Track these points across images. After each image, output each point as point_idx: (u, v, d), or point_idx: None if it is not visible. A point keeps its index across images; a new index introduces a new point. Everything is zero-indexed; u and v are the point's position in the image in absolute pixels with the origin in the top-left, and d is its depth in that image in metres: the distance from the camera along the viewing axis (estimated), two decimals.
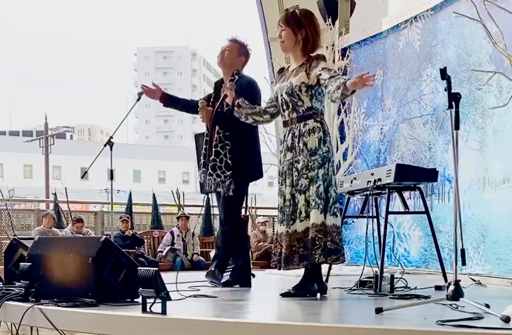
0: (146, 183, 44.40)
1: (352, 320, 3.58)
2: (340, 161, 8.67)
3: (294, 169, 4.59)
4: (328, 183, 4.54)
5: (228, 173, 5.35)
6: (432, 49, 7.80)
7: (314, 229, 4.44)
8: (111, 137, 6.91)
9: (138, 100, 6.47)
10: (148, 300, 3.55)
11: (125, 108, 69.85)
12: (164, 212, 14.80)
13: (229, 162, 5.35)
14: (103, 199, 30.49)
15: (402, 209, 5.73)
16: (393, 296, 4.55)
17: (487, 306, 3.47)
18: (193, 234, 12.06)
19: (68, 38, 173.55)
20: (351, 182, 5.80)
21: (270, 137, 9.24)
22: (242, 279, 5.48)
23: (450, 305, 3.68)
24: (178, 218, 12.22)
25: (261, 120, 4.93)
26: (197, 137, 5.84)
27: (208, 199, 12.67)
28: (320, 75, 4.51)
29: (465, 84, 7.01)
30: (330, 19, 9.16)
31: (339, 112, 8.48)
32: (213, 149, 5.39)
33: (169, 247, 11.84)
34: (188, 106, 5.73)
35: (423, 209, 5.63)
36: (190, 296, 4.45)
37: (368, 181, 5.46)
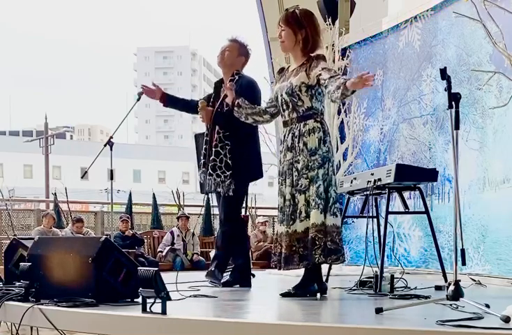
0: (146, 183, 44.41)
1: (352, 320, 3.58)
2: (340, 161, 8.67)
3: (294, 169, 4.59)
4: (328, 183, 4.54)
5: (228, 173, 5.35)
6: (432, 49, 7.80)
7: (315, 229, 4.44)
8: (111, 137, 6.91)
9: (138, 100, 6.47)
10: (148, 300, 3.55)
11: (125, 108, 69.85)
12: (164, 212, 14.80)
13: (229, 162, 5.35)
14: (103, 199, 30.49)
15: (402, 209, 5.73)
16: (393, 296, 4.55)
17: (487, 306, 3.47)
18: (193, 234, 12.06)
19: (68, 38, 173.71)
20: (351, 182, 5.80)
21: (270, 137, 9.24)
22: (242, 279, 5.48)
23: (450, 305, 3.68)
24: (178, 218, 12.22)
25: (261, 120, 4.93)
26: (197, 137, 5.84)
27: (208, 199, 12.71)
28: (320, 74, 4.51)
29: (465, 84, 7.01)
30: (330, 19, 9.16)
31: (339, 112, 8.48)
32: (213, 149, 5.39)
33: (169, 247, 11.84)
34: (188, 106, 5.74)
35: (423, 209, 5.63)
36: (190, 296, 4.45)
37: (368, 181, 5.46)
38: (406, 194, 6.01)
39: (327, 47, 8.97)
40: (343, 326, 3.13)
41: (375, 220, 5.85)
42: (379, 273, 4.89)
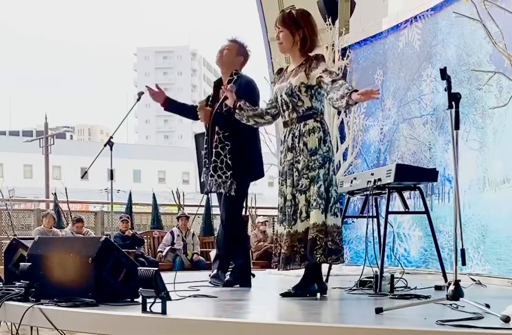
0: (146, 183, 44.42)
1: (352, 320, 3.58)
2: (340, 161, 8.67)
3: (294, 170, 4.59)
4: (328, 183, 4.54)
5: (229, 173, 5.35)
6: (432, 49, 7.80)
7: (316, 229, 4.44)
8: (111, 137, 6.91)
9: (138, 100, 6.48)
10: (148, 300, 3.55)
11: (125, 108, 69.90)
12: (164, 212, 14.81)
13: (229, 162, 5.36)
14: (103, 199, 30.51)
15: (402, 209, 5.73)
16: (393, 296, 4.55)
17: (487, 306, 3.47)
18: (193, 234, 12.06)
19: (68, 38, 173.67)
20: (351, 182, 5.80)
21: (270, 137, 9.25)
22: (242, 279, 5.48)
23: (450, 305, 3.68)
24: (178, 218, 12.22)
25: (262, 122, 4.93)
26: (197, 137, 5.84)
27: (208, 199, 12.73)
28: (321, 77, 4.51)
29: (465, 84, 7.01)
30: (330, 19, 9.16)
31: (339, 112, 8.48)
32: (214, 150, 5.39)
33: (169, 247, 11.84)
34: (188, 111, 5.71)
35: (423, 209, 5.63)
36: (190, 296, 4.45)
37: (368, 181, 5.46)
38: (406, 194, 6.01)
39: (327, 47, 8.97)
40: (343, 326, 3.13)
41: (375, 220, 5.85)
42: (379, 273, 4.89)
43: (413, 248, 7.90)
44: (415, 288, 5.05)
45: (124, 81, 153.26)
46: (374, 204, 5.94)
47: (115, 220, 11.45)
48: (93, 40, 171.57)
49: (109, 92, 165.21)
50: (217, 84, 5.65)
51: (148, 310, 3.52)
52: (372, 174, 5.46)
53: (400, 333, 2.93)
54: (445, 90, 3.62)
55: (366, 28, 9.07)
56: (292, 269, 4.60)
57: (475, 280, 5.80)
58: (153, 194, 13.37)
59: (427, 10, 7.89)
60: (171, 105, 5.70)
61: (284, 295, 4.54)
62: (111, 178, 7.24)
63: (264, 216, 13.64)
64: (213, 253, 11.95)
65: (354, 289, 4.96)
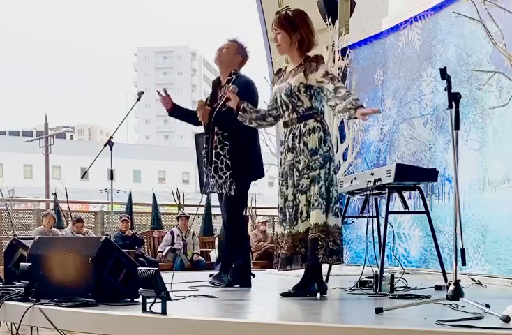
0: (146, 183, 44.42)
1: (352, 320, 3.58)
2: (340, 161, 8.67)
3: (295, 170, 4.59)
4: (329, 183, 4.54)
5: (228, 173, 5.35)
6: (432, 49, 7.80)
7: (318, 230, 4.44)
8: (111, 137, 6.91)
9: (138, 100, 6.48)
10: (148, 300, 3.55)
11: (125, 108, 69.87)
12: (164, 212, 14.81)
13: (229, 162, 5.36)
14: (103, 199, 30.51)
15: (402, 209, 5.73)
16: (393, 296, 4.55)
17: (487, 306, 3.47)
18: (193, 234, 12.06)
19: (68, 38, 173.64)
20: (351, 182, 5.80)
21: (270, 137, 9.26)
22: (242, 279, 5.48)
23: (450, 305, 3.68)
24: (178, 218, 12.22)
25: (264, 124, 4.92)
26: (197, 137, 5.84)
27: (208, 199, 12.74)
28: (322, 82, 4.53)
29: (465, 84, 7.01)
30: (330, 19, 9.17)
31: None
32: (214, 151, 5.39)
33: (169, 247, 11.84)
34: (192, 118, 5.69)
35: (423, 209, 5.63)
36: (190, 296, 4.45)
37: (368, 181, 5.46)
38: (406, 194, 6.01)
39: (327, 47, 8.98)
40: (343, 326, 3.13)
41: (375, 220, 5.85)
42: (379, 273, 4.89)
43: (413, 248, 7.90)
44: (415, 288, 5.05)
45: (124, 81, 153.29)
46: (374, 204, 5.94)
47: (115, 220, 11.45)
48: (93, 40, 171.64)
49: (109, 92, 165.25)
50: (216, 84, 5.65)
51: (148, 310, 3.52)
52: (372, 174, 5.46)
53: (400, 333, 2.93)
54: (445, 90, 3.62)
55: (366, 28, 9.07)
56: (293, 270, 4.60)
57: (475, 280, 5.80)
58: (153, 194, 13.36)
59: (427, 10, 7.89)
60: (177, 111, 5.71)
61: (284, 295, 4.54)
62: (111, 178, 7.23)
63: (264, 216, 13.64)
64: (213, 253, 12.01)
65: (354, 289, 4.96)
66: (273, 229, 13.02)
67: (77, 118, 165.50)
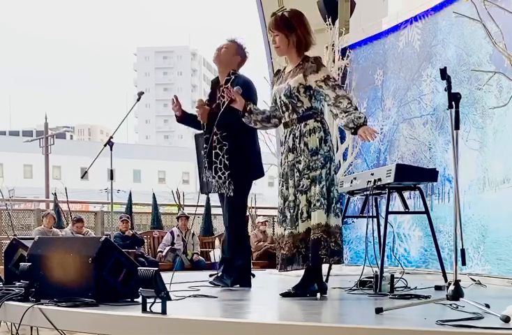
0: (146, 183, 44.41)
1: (352, 320, 3.58)
2: (340, 161, 8.67)
3: (295, 170, 4.59)
4: (330, 183, 4.55)
5: (227, 173, 5.35)
6: (432, 49, 7.80)
7: (320, 230, 4.44)
8: (111, 137, 6.91)
9: (138, 100, 6.49)
10: (148, 300, 3.55)
11: (125, 108, 69.89)
12: (164, 212, 14.80)
13: (227, 162, 5.35)
14: (103, 199, 30.51)
15: (402, 209, 5.73)
16: (393, 296, 4.55)
17: (487, 306, 3.47)
18: (193, 234, 12.06)
19: (68, 38, 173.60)
20: (351, 182, 5.80)
21: (270, 137, 9.26)
22: (242, 279, 5.48)
23: (450, 305, 3.68)
24: (178, 218, 12.22)
25: (269, 125, 4.91)
26: (197, 137, 5.84)
27: (208, 199, 12.74)
28: (321, 87, 4.54)
29: (465, 84, 7.01)
30: (330, 19, 9.17)
31: None
32: (213, 151, 5.39)
33: (169, 247, 11.84)
34: (199, 123, 5.68)
35: (423, 209, 5.63)
36: (190, 296, 4.45)
37: (368, 181, 5.46)
38: (406, 194, 6.01)
39: (327, 47, 8.98)
40: (343, 326, 3.13)
41: (375, 220, 5.85)
42: (379, 273, 4.89)
43: (413, 248, 7.90)
44: (415, 288, 5.05)
45: (124, 81, 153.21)
46: (374, 204, 5.94)
47: (115, 220, 11.45)
48: (93, 40, 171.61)
49: (109, 92, 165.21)
50: (215, 84, 5.65)
51: (148, 310, 3.52)
52: (372, 174, 5.46)
53: (400, 333, 2.93)
54: (445, 90, 3.62)
55: (366, 28, 9.07)
56: (294, 270, 4.60)
57: (475, 280, 5.80)
58: (153, 194, 13.36)
59: (427, 10, 7.89)
60: (186, 118, 5.70)
61: (284, 295, 4.54)
62: (111, 178, 7.23)
63: (264, 216, 13.64)
64: (212, 253, 12.01)
65: (354, 289, 4.96)
66: (273, 229, 13.03)
67: (77, 118, 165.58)
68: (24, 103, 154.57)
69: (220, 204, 5.66)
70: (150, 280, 3.49)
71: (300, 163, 4.56)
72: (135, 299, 4.00)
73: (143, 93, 6.56)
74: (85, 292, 3.98)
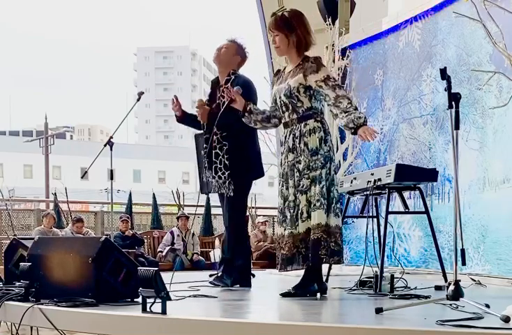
0: (146, 183, 44.42)
1: (352, 320, 3.58)
2: (340, 161, 8.67)
3: (295, 170, 4.59)
4: (330, 183, 4.55)
5: (227, 173, 5.35)
6: (432, 49, 7.80)
7: (320, 230, 4.44)
8: (111, 137, 6.91)
9: (138, 100, 6.49)
10: (148, 300, 3.55)
11: (125, 108, 69.90)
12: (164, 212, 14.80)
13: (227, 162, 5.35)
14: (103, 199, 30.51)
15: (402, 209, 5.73)
16: (393, 296, 4.55)
17: (487, 306, 3.47)
18: (193, 234, 12.06)
19: (68, 38, 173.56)
20: (351, 182, 5.80)
21: (270, 137, 9.26)
22: (242, 279, 5.48)
23: (450, 305, 3.68)
24: (178, 218, 12.22)
25: (269, 125, 4.91)
26: (197, 137, 5.84)
27: (208, 199, 12.74)
28: (321, 87, 4.53)
29: (465, 84, 7.01)
30: (330, 19, 9.17)
31: None
32: (213, 151, 5.39)
33: (169, 247, 11.84)
34: (199, 123, 5.68)
35: (423, 209, 5.63)
36: (190, 296, 4.45)
37: (368, 181, 5.46)
38: (406, 194, 6.01)
39: (327, 47, 8.98)
40: (343, 326, 3.13)
41: (375, 220, 5.85)
42: (379, 273, 4.89)
43: (413, 248, 7.90)
44: (415, 288, 5.05)
45: (124, 81, 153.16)
46: (374, 204, 5.94)
47: (115, 220, 11.45)
48: (93, 40, 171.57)
49: (109, 92, 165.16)
50: (215, 83, 5.65)
51: (148, 310, 3.52)
52: (372, 174, 5.46)
53: (400, 333, 2.93)
54: (445, 90, 3.62)
55: (366, 28, 9.07)
56: (294, 270, 4.60)
57: (475, 280, 5.80)
58: (153, 194, 13.36)
59: (427, 10, 7.89)
60: (186, 118, 5.69)
61: (284, 295, 4.54)
62: (111, 178, 7.23)
63: (264, 216, 13.64)
64: (212, 253, 12.01)
65: (354, 289, 4.96)
66: (273, 229, 13.03)
67: (77, 118, 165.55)
68: (24, 103, 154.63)
69: (220, 204, 5.66)
70: (150, 280, 3.49)
71: (300, 163, 4.56)
72: (135, 299, 4.00)
73: (143, 93, 6.56)
74: (85, 292, 3.99)
